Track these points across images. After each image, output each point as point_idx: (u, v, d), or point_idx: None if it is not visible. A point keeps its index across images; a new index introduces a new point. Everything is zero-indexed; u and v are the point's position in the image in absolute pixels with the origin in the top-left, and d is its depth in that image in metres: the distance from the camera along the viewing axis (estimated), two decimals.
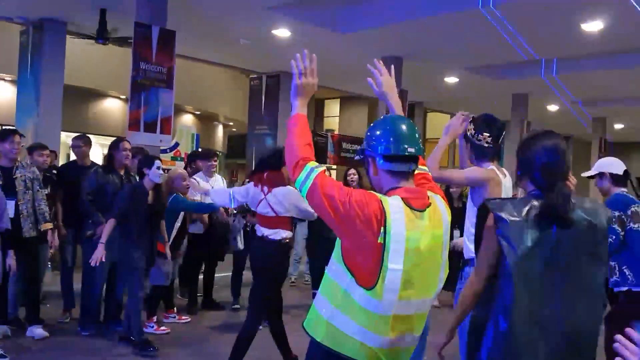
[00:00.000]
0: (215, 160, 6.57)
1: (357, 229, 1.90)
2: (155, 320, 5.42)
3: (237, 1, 8.31)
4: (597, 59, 10.59)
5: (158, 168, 4.87)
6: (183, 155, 12.07)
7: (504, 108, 15.01)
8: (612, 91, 13.88)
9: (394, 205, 1.94)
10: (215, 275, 6.67)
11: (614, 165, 3.91)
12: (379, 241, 1.88)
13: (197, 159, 6.67)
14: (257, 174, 4.27)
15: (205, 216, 6.11)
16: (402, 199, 1.98)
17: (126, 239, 4.70)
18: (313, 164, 2.01)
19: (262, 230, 4.15)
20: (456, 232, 7.39)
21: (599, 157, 19.04)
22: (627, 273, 3.54)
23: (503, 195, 3.18)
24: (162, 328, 5.40)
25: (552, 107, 15.77)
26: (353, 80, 14.21)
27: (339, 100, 24.80)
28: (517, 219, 2.03)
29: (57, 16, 9.03)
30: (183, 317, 5.80)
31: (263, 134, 13.06)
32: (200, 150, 7.75)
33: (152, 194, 4.87)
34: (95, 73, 13.27)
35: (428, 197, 2.09)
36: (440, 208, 2.11)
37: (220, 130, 23.84)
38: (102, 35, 9.02)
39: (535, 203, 2.08)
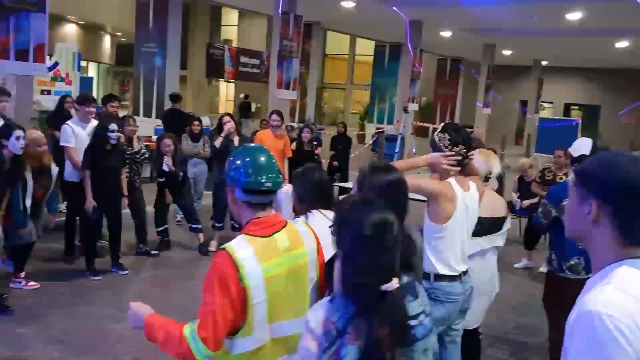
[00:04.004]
0: (94, 106, 6.10)
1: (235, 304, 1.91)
2: (23, 275, 5.21)
3: None
4: None
5: (17, 138, 4.47)
6: (64, 75, 11.30)
7: (399, 33, 15.17)
8: (501, 23, 14.38)
9: (241, 249, 1.95)
10: None
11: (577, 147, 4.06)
12: (240, 285, 1.91)
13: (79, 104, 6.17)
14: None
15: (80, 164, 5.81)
16: (247, 235, 2.01)
17: None
18: (186, 329, 1.91)
19: None
20: None
21: (487, 81, 20.01)
22: (553, 257, 3.82)
23: (459, 211, 2.87)
24: (31, 283, 5.21)
25: (445, 33, 16.10)
26: None
27: (237, 10, 23.76)
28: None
29: None
30: (30, 284, 5.24)
31: (151, 53, 12.37)
32: (85, 94, 7.12)
33: (10, 164, 4.50)
34: None
35: (280, 222, 2.10)
36: (299, 229, 2.15)
37: (107, 41, 22.23)
38: None
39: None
